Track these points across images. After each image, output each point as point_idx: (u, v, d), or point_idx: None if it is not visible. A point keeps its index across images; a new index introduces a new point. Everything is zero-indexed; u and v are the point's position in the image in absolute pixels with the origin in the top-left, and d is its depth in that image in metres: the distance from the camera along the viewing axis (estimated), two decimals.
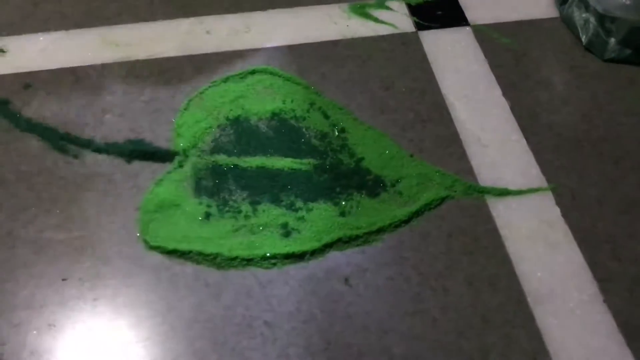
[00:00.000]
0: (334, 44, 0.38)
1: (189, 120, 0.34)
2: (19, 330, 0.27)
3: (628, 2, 0.34)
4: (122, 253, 0.30)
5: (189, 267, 0.29)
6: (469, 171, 0.33)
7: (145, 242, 0.30)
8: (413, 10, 0.40)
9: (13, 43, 0.38)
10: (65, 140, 0.34)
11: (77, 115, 0.35)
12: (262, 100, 0.35)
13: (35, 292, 0.28)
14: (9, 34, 0.39)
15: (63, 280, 0.29)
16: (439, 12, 0.40)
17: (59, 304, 0.28)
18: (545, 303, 0.28)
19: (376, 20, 0.40)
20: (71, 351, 0.27)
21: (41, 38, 0.39)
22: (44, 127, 0.34)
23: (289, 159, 0.33)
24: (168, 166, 0.33)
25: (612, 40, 0.37)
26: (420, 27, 0.39)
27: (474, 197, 0.32)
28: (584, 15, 0.38)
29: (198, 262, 0.29)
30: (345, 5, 0.40)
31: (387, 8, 0.40)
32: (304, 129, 0.34)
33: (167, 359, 0.27)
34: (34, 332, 0.27)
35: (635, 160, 0.33)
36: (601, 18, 0.37)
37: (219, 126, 0.34)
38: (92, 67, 0.37)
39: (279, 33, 0.39)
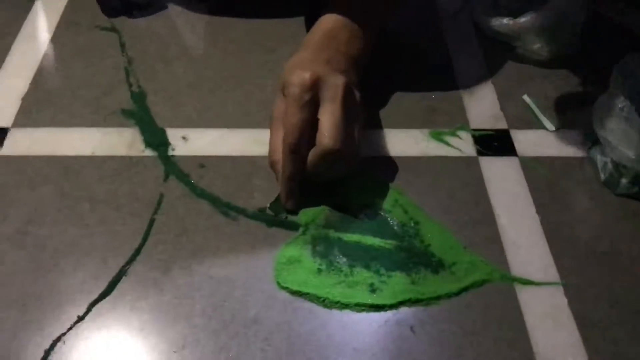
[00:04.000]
0: (416, 159, 0.53)
1: (309, 204, 0.50)
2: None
3: (633, 157, 0.47)
4: (262, 289, 0.44)
5: (306, 304, 0.44)
6: (505, 264, 0.46)
7: (278, 283, 0.44)
8: (476, 140, 0.55)
9: (191, 134, 0.55)
10: (226, 207, 0.49)
11: (234, 190, 0.51)
12: (361, 195, 0.50)
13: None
14: (188, 127, 0.56)
15: (224, 302, 0.44)
16: (495, 144, 0.54)
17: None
18: None
19: (448, 144, 0.54)
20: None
21: (211, 132, 0.55)
22: (212, 196, 0.50)
23: (377, 239, 0.47)
24: (295, 233, 0.48)
25: (623, 180, 0.50)
26: (480, 153, 0.53)
27: (506, 283, 0.45)
28: (604, 159, 0.51)
29: (311, 301, 0.44)
30: (426, 131, 0.55)
31: (457, 136, 0.55)
32: (389, 218, 0.49)
33: None
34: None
35: (634, 272, 0.46)
36: (616, 164, 0.50)
37: (328, 211, 0.49)
38: (245, 157, 0.53)
39: (376, 145, 0.54)
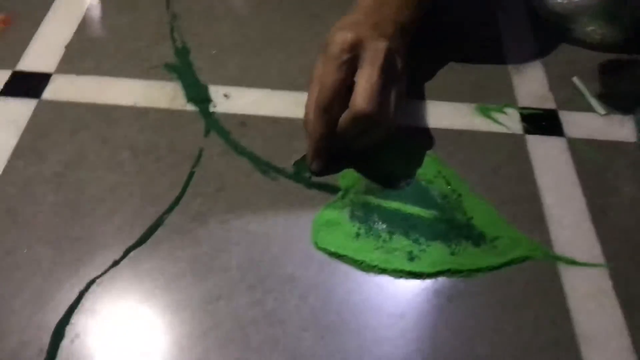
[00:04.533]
0: (460, 132, 0.52)
1: (350, 168, 0.49)
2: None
3: None
4: (299, 248, 0.44)
5: (343, 266, 0.43)
6: (548, 242, 0.44)
7: (315, 243, 0.44)
8: (523, 118, 0.53)
9: (233, 92, 0.54)
10: (266, 166, 0.49)
11: (274, 150, 0.50)
12: (404, 163, 0.49)
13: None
14: (230, 85, 0.55)
15: (261, 259, 0.43)
16: (543, 123, 0.53)
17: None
18: (589, 344, 0.39)
19: (494, 120, 0.53)
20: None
21: (253, 92, 0.55)
22: (252, 154, 0.50)
23: (417, 208, 0.46)
24: (333, 197, 0.47)
25: None
26: (527, 131, 0.52)
27: (549, 261, 0.44)
28: None
29: (349, 264, 0.43)
30: (472, 105, 0.54)
31: (504, 113, 0.53)
32: (430, 189, 0.48)
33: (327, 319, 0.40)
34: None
35: None
36: None
37: (369, 176, 0.48)
38: (285, 119, 0.52)
39: (420, 116, 0.53)
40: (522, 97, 0.55)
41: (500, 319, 0.40)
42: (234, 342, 0.39)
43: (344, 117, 0.46)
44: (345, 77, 0.45)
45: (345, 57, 0.45)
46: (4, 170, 0.47)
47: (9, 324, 0.39)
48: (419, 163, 0.49)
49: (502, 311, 0.41)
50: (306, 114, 0.48)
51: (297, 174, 0.48)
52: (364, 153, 0.49)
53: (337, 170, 0.48)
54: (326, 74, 0.46)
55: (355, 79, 0.46)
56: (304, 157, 0.49)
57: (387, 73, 0.46)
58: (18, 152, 0.49)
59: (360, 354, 0.39)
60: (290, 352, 0.39)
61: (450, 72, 0.57)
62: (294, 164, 0.49)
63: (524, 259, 0.43)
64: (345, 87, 0.46)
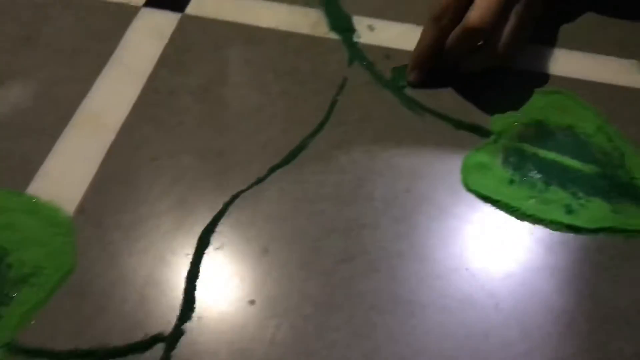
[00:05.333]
0: (623, 89, 0.47)
1: (502, 114, 0.46)
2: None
3: None
4: (447, 187, 0.42)
5: (495, 211, 0.40)
6: None
7: (466, 184, 0.41)
8: None
9: (378, 24, 0.52)
10: (412, 102, 0.46)
11: (421, 88, 0.48)
12: (561, 114, 0.46)
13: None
14: (375, 17, 0.53)
15: (407, 192, 0.41)
16: None
17: None
18: None
19: None
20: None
21: (398, 25, 0.52)
22: (398, 88, 0.47)
23: (576, 161, 0.43)
24: (485, 140, 0.44)
25: None
26: None
27: None
28: None
29: (501, 209, 0.40)
30: (636, 62, 0.50)
31: None
32: (590, 144, 0.44)
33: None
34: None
35: None
36: None
37: (523, 123, 0.45)
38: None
39: (580, 68, 0.49)
40: None
41: None
42: (379, 272, 0.37)
43: (455, 31, 0.44)
44: None
45: None
46: (149, 77, 0.47)
47: (155, 226, 0.39)
48: (577, 116, 0.45)
49: None
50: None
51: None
52: (520, 98, 0.46)
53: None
54: None
55: None
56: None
57: None
58: (162, 62, 0.48)
59: (514, 304, 0.36)
60: (438, 290, 0.37)
61: (614, 25, 0.52)
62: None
63: None
64: (465, 3, 0.43)
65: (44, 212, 0.39)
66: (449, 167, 0.43)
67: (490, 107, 0.46)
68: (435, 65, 0.47)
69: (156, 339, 0.34)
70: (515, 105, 0.46)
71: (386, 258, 0.38)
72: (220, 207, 0.40)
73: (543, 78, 0.48)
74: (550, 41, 0.51)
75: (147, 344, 0.34)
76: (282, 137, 0.44)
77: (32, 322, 0.35)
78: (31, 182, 0.41)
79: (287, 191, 0.41)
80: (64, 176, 0.41)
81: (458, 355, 0.34)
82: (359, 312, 0.36)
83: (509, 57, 0.45)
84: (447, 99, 0.47)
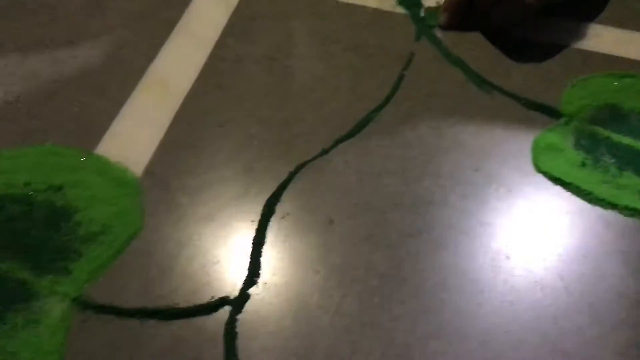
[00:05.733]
0: None
1: (574, 96, 0.44)
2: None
3: None
4: (517, 166, 0.41)
5: (565, 193, 0.39)
6: None
7: (536, 165, 0.40)
8: None
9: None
10: (481, 80, 0.45)
11: (490, 65, 0.46)
12: (636, 99, 0.44)
13: None
14: None
15: (475, 170, 0.41)
16: None
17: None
18: None
19: None
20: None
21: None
22: (466, 65, 0.46)
23: None
24: (556, 122, 0.43)
25: None
26: None
27: None
28: None
29: (572, 192, 0.39)
30: None
31: None
32: None
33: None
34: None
35: None
36: None
37: (596, 106, 0.44)
38: None
39: None
40: None
41: None
42: (446, 249, 0.37)
43: None
44: None
45: None
46: (216, 45, 0.47)
47: (221, 192, 0.39)
48: None
49: None
50: None
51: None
52: (594, 85, 0.44)
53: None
54: None
55: None
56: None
57: None
58: (229, 30, 0.48)
59: (584, 288, 0.35)
60: (505, 270, 0.36)
61: None
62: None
63: None
64: None
65: (113, 173, 0.40)
66: (518, 147, 0.42)
67: (561, 88, 0.45)
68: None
69: (223, 302, 0.35)
70: (587, 87, 0.45)
71: (453, 235, 0.37)
72: (285, 176, 0.40)
73: (615, 61, 0.47)
74: (621, 23, 0.49)
75: (213, 306, 0.34)
76: (347, 109, 0.43)
77: (101, 279, 0.36)
78: (99, 142, 0.41)
79: (352, 163, 0.41)
80: (132, 138, 0.42)
81: (526, 338, 0.34)
82: (425, 287, 0.35)
83: (534, 11, 0.46)
84: (516, 77, 0.45)
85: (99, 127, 0.42)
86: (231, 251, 0.37)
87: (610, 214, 0.38)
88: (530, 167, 0.40)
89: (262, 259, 0.36)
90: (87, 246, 0.37)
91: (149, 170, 0.40)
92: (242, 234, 0.37)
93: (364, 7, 0.50)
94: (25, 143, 0.41)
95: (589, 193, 0.39)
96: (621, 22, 0.49)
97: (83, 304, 0.35)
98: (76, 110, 0.43)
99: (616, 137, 0.42)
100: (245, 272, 0.36)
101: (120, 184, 0.39)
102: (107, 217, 0.38)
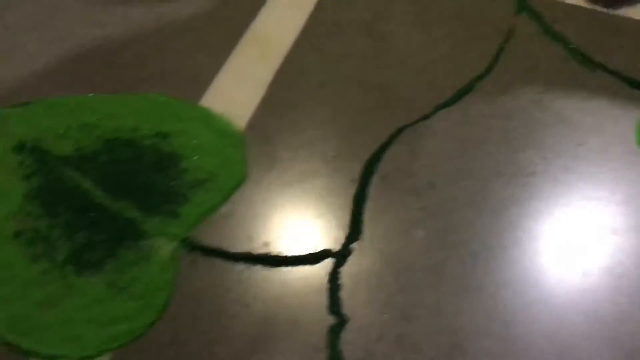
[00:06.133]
0: None
1: None
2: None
3: None
4: (621, 146, 0.40)
5: None
6: None
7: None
8: None
9: None
10: (583, 57, 0.45)
11: (592, 44, 0.45)
12: None
13: None
14: None
15: (578, 145, 0.40)
16: None
17: None
18: None
19: None
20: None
21: None
22: (567, 41, 0.46)
23: None
24: None
25: None
26: None
27: None
28: None
29: None
30: None
31: None
32: None
33: None
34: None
35: None
36: None
37: None
38: (606, 13, 0.48)
39: None
40: None
41: None
42: (547, 220, 0.37)
43: None
44: None
45: None
46: (316, 7, 0.47)
47: (322, 150, 0.40)
48: None
49: None
50: None
51: (621, 72, 0.44)
52: None
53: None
54: None
55: None
56: None
57: None
58: None
59: None
60: (611, 246, 0.36)
61: None
62: None
63: None
64: None
65: (217, 124, 0.41)
66: (623, 126, 0.41)
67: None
68: None
69: (326, 254, 0.35)
70: None
71: (554, 207, 0.37)
72: (385, 138, 0.40)
73: None
74: None
75: (317, 257, 0.35)
76: (447, 77, 0.43)
77: (208, 225, 0.37)
78: (203, 95, 0.42)
79: (452, 130, 0.41)
80: (235, 93, 0.42)
81: (633, 310, 0.33)
82: (526, 256, 0.35)
83: None
84: (620, 56, 0.45)
85: (203, 81, 0.43)
86: (333, 207, 0.37)
87: None
88: (634, 148, 0.40)
89: (364, 217, 0.37)
90: (194, 192, 0.38)
91: (251, 125, 0.41)
92: (344, 192, 0.38)
93: None
94: (133, 90, 0.42)
95: None
96: None
97: (191, 245, 0.36)
98: (180, 64, 0.44)
99: None
100: (347, 228, 0.36)
101: (225, 135, 0.40)
102: (213, 166, 0.39)
